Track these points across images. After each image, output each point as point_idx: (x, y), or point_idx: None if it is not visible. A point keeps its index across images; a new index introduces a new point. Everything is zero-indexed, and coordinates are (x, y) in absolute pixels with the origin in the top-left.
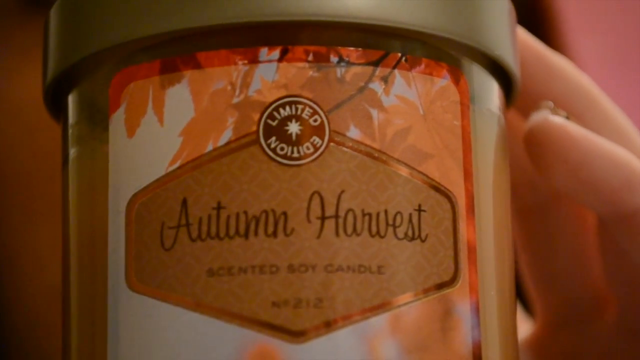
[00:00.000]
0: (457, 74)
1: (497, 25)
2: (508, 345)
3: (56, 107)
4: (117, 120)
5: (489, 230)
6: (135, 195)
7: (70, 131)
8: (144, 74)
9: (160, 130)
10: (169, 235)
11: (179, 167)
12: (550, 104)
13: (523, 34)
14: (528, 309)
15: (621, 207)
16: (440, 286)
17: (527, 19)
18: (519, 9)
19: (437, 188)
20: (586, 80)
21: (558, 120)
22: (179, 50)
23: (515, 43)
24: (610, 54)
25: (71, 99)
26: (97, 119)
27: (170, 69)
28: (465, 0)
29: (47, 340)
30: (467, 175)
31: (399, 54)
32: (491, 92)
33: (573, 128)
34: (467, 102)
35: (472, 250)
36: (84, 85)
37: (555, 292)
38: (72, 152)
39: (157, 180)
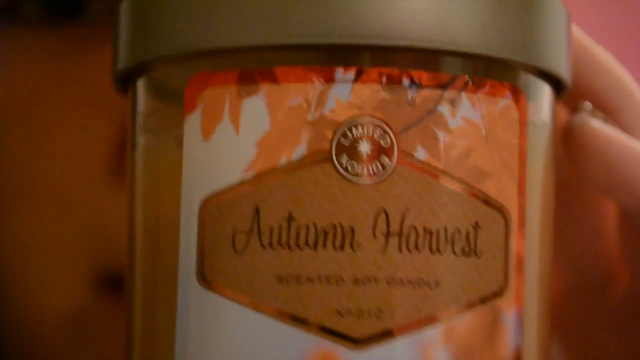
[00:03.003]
0: (517, 93)
1: (555, 38)
2: (545, 346)
3: (124, 85)
4: (193, 122)
5: (536, 240)
6: (209, 198)
7: (139, 118)
8: (222, 81)
9: (236, 139)
10: (241, 239)
11: (253, 177)
12: (589, 105)
13: (573, 28)
14: None
15: None
16: (490, 297)
17: None
18: None
19: (494, 205)
20: (627, 76)
21: (596, 123)
22: (258, 63)
23: (570, 48)
24: (610, 54)
25: (142, 85)
26: (170, 116)
27: (247, 80)
28: (523, 18)
29: (31, 329)
30: (521, 190)
31: (466, 77)
32: (546, 100)
33: (609, 131)
34: (525, 118)
35: (520, 261)
36: (158, 77)
37: (571, 261)
38: (142, 140)
39: (231, 186)
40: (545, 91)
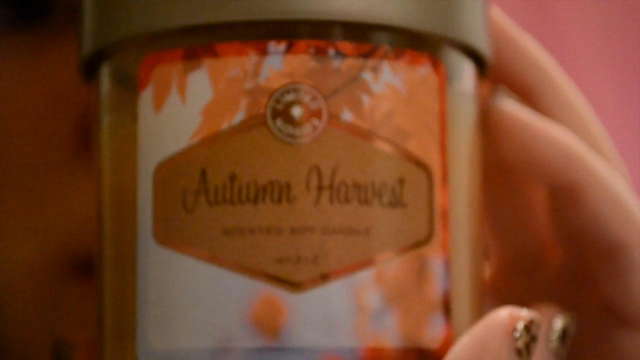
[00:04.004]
0: (436, 62)
1: (472, 15)
2: (475, 292)
3: (88, 74)
4: (146, 97)
5: (461, 195)
6: (161, 163)
7: (103, 100)
8: (169, 59)
9: (183, 109)
10: (190, 199)
11: (199, 142)
12: (504, 87)
13: (497, 15)
14: None
15: (561, 181)
16: (417, 245)
17: (529, 19)
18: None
19: (417, 162)
20: (549, 63)
21: (509, 105)
22: (200, 40)
23: (487, 27)
24: (610, 54)
25: (104, 72)
26: (127, 94)
27: (191, 56)
28: None
29: (2, 316)
30: (443, 149)
31: (387, 46)
32: (466, 73)
33: (521, 112)
34: (444, 86)
35: (445, 213)
36: (115, 62)
37: (505, 239)
38: (105, 119)
39: (180, 151)
40: (465, 65)
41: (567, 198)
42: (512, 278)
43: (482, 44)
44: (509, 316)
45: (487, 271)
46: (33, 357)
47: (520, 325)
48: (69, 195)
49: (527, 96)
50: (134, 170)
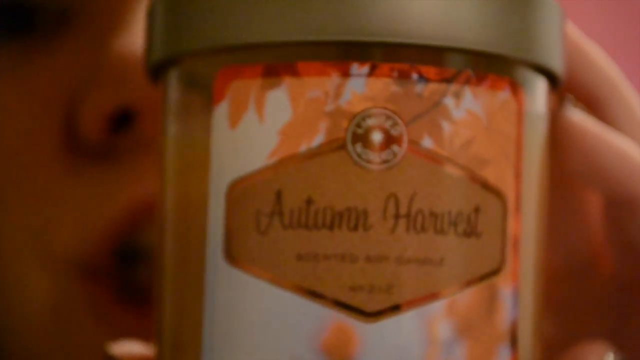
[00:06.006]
0: (515, 86)
1: (550, 35)
2: (539, 319)
3: (155, 75)
4: (221, 111)
5: (532, 222)
6: (235, 181)
7: (171, 106)
8: (248, 74)
9: (260, 127)
10: (264, 220)
11: (275, 162)
12: (571, 96)
13: (566, 24)
14: None
15: (623, 193)
16: (489, 275)
17: None
18: None
19: (493, 190)
20: (614, 71)
21: (577, 115)
22: (281, 58)
23: (563, 44)
24: (610, 54)
25: (174, 76)
26: (199, 105)
27: (271, 74)
28: (522, 16)
29: (12, 326)
30: (518, 175)
31: (469, 72)
32: (541, 93)
33: (589, 123)
34: (522, 110)
35: (516, 241)
36: (188, 70)
37: (559, 245)
38: (173, 127)
39: (256, 171)
40: (540, 84)
41: (628, 209)
42: (561, 283)
43: (558, 61)
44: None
45: None
46: None
47: None
48: (65, 201)
49: (593, 106)
50: (205, 186)
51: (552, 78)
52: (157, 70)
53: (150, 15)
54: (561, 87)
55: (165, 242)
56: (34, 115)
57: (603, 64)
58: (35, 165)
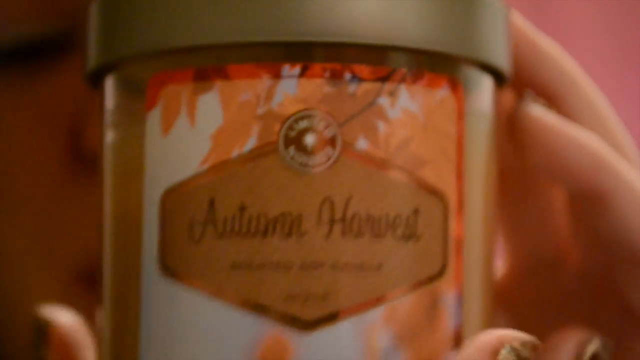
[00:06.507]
0: (455, 84)
1: (494, 31)
2: (487, 324)
3: (94, 82)
4: (153, 118)
5: (476, 223)
6: (168, 189)
7: (107, 115)
8: (179, 78)
9: (192, 133)
10: (198, 229)
11: (208, 169)
12: (531, 92)
13: (516, 18)
14: None
15: (589, 187)
16: (430, 279)
17: (529, 19)
18: (520, 10)
19: (433, 190)
20: (572, 65)
21: (537, 110)
22: (211, 61)
23: (508, 40)
24: (611, 54)
25: (110, 83)
26: (133, 112)
27: (202, 78)
28: (462, 14)
29: (16, 336)
30: (459, 175)
31: (405, 70)
32: (485, 90)
33: (549, 118)
34: (462, 107)
35: (459, 244)
36: (122, 76)
37: (522, 242)
38: (109, 135)
39: (188, 178)
40: (485, 82)
41: (594, 204)
42: (526, 280)
43: (503, 58)
44: (496, 338)
45: (499, 273)
46: None
47: (506, 349)
48: (69, 209)
49: (551, 99)
50: (140, 195)
51: (497, 75)
52: (95, 77)
53: (88, 21)
54: (519, 83)
55: (104, 253)
56: (40, 129)
57: (560, 58)
58: (40, 176)
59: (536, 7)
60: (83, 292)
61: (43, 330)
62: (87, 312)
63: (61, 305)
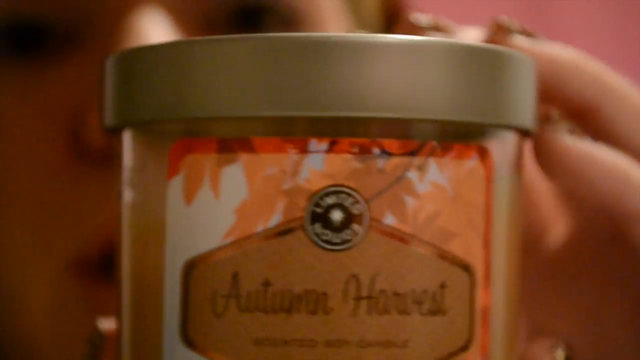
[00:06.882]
0: (484, 152)
1: (520, 91)
2: None
3: (111, 131)
4: (176, 185)
5: (502, 291)
6: (191, 260)
7: (125, 172)
8: (202, 148)
9: (216, 205)
10: (220, 303)
11: (232, 242)
12: (556, 115)
13: (531, 43)
14: None
15: (615, 209)
16: (457, 352)
17: (529, 20)
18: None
19: (460, 263)
20: (598, 68)
21: (563, 137)
22: (236, 132)
23: (536, 93)
24: (611, 54)
25: (128, 139)
26: (154, 175)
27: (226, 149)
28: (489, 79)
29: (16, 321)
30: (486, 245)
31: (434, 143)
32: (511, 151)
33: (573, 143)
34: (491, 175)
35: (486, 314)
36: (142, 136)
37: None
38: (128, 194)
39: (212, 250)
40: (510, 139)
41: (628, 223)
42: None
43: (530, 114)
44: None
45: None
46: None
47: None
48: (68, 200)
49: (587, 113)
50: (161, 261)
51: (524, 131)
52: (113, 129)
53: (105, 73)
54: (546, 101)
55: (122, 307)
56: (42, 124)
57: (587, 67)
58: (40, 171)
59: (536, 7)
60: (77, 281)
61: (101, 341)
62: (81, 301)
63: (56, 296)
